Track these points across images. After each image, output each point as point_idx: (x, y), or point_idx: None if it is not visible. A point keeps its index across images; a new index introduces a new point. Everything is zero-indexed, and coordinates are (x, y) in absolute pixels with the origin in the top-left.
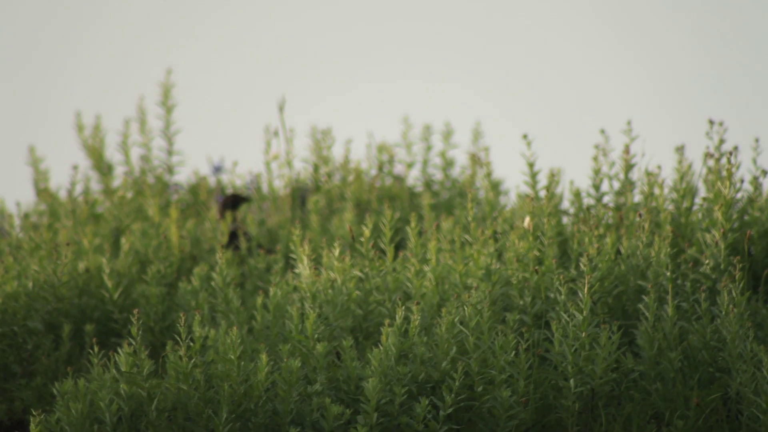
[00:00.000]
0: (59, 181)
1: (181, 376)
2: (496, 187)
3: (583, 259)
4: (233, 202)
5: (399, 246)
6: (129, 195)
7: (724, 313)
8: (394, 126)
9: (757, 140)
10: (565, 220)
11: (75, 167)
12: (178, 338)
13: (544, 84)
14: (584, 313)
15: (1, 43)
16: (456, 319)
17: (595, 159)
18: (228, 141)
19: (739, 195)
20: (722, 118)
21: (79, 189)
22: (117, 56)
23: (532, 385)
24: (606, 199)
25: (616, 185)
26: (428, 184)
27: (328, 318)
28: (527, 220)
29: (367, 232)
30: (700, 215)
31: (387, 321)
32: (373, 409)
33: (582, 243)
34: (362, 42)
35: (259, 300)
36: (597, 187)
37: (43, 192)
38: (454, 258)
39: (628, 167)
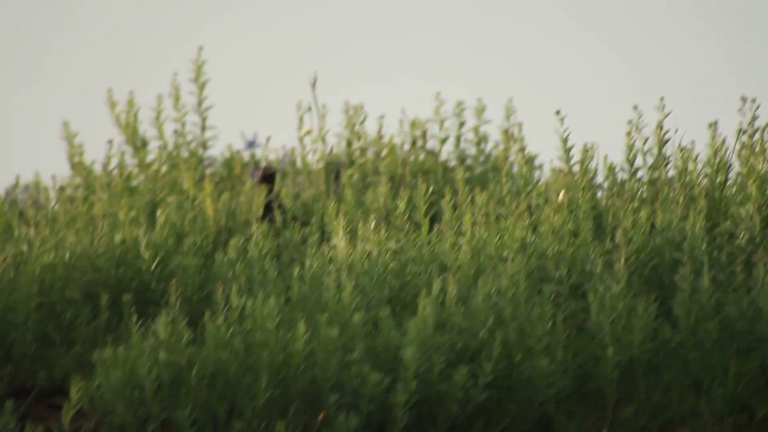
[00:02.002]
0: (93, 156)
1: (220, 344)
2: (529, 162)
3: (619, 232)
4: (268, 175)
5: (433, 219)
6: (163, 169)
7: (760, 285)
8: (427, 103)
9: None
10: (599, 194)
11: (110, 142)
12: (216, 308)
13: (576, 61)
14: (621, 284)
15: (33, 20)
16: (492, 290)
17: (629, 134)
18: (261, 116)
19: None
20: (755, 95)
21: (113, 163)
22: (149, 34)
23: (570, 354)
24: (640, 173)
25: (650, 160)
26: (462, 158)
27: (365, 289)
28: (562, 194)
29: (401, 205)
30: (734, 189)
31: (424, 291)
32: (412, 377)
33: (617, 216)
34: (393, 19)
35: (296, 271)
36: (631, 162)
37: (77, 166)
38: (489, 230)
39: (662, 143)
